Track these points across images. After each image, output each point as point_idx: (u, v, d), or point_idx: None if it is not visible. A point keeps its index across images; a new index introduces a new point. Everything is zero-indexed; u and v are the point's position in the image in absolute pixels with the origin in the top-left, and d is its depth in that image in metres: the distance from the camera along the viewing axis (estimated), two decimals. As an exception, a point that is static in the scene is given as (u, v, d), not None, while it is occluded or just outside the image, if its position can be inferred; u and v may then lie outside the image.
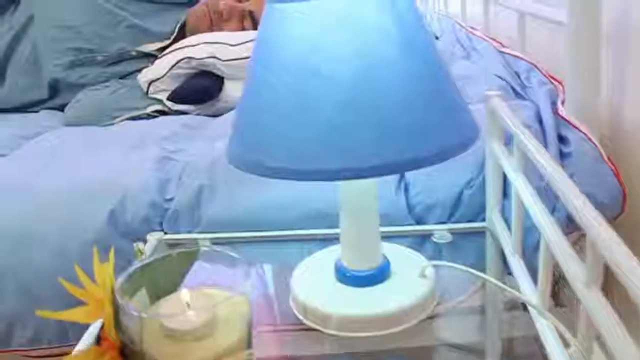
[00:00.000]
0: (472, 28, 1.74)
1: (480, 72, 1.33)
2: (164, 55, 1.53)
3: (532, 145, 0.71)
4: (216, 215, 0.96)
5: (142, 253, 0.64)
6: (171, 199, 0.99)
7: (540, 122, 1.00)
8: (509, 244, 0.84)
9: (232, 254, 0.61)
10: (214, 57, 1.47)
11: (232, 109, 1.49)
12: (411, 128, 0.58)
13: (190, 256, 0.62)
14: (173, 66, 1.49)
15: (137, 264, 0.60)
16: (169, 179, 1.02)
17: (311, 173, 0.57)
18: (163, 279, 0.61)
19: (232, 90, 1.49)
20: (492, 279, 0.72)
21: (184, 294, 0.58)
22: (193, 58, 1.48)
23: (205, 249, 0.61)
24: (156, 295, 0.61)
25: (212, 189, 0.97)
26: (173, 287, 0.62)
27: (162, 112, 1.52)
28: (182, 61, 1.49)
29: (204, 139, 1.18)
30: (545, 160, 0.67)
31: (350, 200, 0.70)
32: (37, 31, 1.70)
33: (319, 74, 0.57)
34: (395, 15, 0.59)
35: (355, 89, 0.57)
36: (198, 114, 1.50)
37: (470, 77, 1.32)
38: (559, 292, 0.97)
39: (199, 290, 0.60)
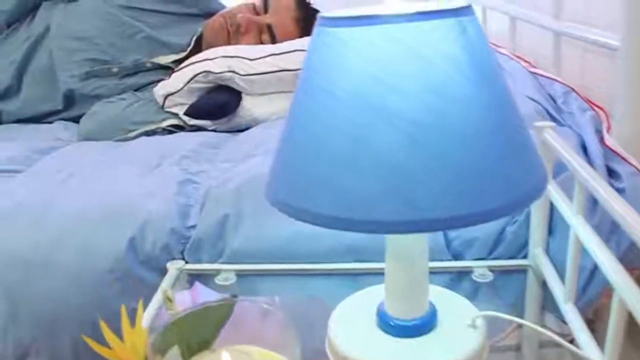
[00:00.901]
0: (495, 45, 1.66)
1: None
2: (181, 68, 1.46)
3: (598, 183, 0.64)
4: (241, 245, 0.88)
5: (171, 301, 0.56)
6: (193, 227, 0.91)
7: (585, 151, 0.93)
8: (561, 290, 0.76)
9: (273, 308, 0.54)
10: (232, 72, 1.40)
11: (249, 124, 1.42)
12: (483, 175, 0.50)
13: (225, 310, 0.55)
14: (190, 80, 1.41)
15: (169, 319, 0.52)
16: (191, 205, 0.95)
17: (368, 224, 0.49)
18: (196, 334, 0.53)
19: (250, 105, 1.42)
20: (557, 337, 0.64)
21: (224, 356, 0.50)
22: (211, 72, 1.40)
23: (247, 303, 0.53)
24: (189, 353, 0.53)
25: (237, 218, 0.89)
26: (206, 344, 0.54)
27: (177, 127, 1.45)
28: (200, 75, 1.41)
29: (226, 160, 1.10)
30: (612, 198, 0.60)
31: (398, 245, 0.62)
32: (52, 42, 1.62)
33: (381, 110, 0.49)
34: (466, 43, 0.51)
35: (423, 129, 0.49)
36: (215, 129, 1.43)
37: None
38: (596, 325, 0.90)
39: (238, 349, 0.52)
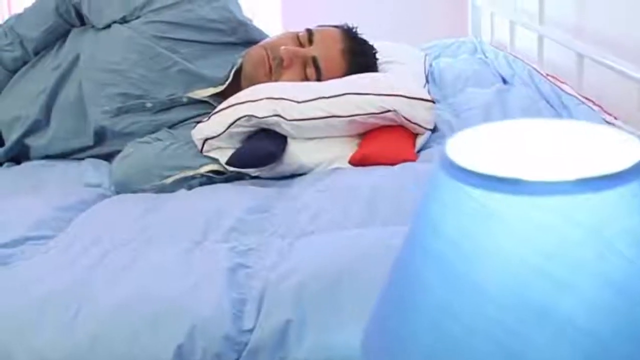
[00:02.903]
0: (555, 78, 1.51)
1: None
2: (221, 110, 1.32)
3: None
4: (306, 357, 0.75)
5: None
6: (250, 330, 0.78)
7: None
8: None
9: None
10: (278, 116, 1.26)
11: (295, 171, 1.28)
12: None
13: None
14: (232, 124, 1.28)
15: None
16: (245, 299, 0.82)
17: None
18: None
19: (297, 151, 1.28)
20: None
21: None
22: (254, 116, 1.26)
23: None
24: None
25: (301, 325, 0.76)
26: None
27: (217, 172, 1.32)
28: (242, 119, 1.27)
29: (279, 232, 0.97)
30: None
31: None
32: (82, 73, 1.49)
33: (545, 313, 0.36)
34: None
35: (604, 342, 0.36)
36: (257, 176, 1.29)
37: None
38: None
39: None
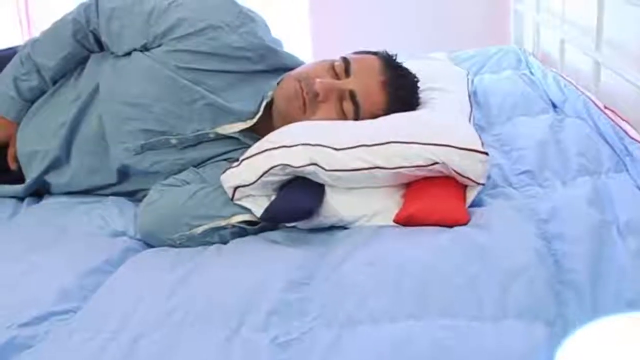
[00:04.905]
0: (614, 113, 1.43)
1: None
2: (253, 155, 1.26)
3: None
4: None
5: None
6: None
7: None
8: None
9: None
10: (316, 165, 1.20)
11: (333, 224, 1.23)
12: None
13: None
14: (265, 173, 1.22)
15: None
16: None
17: None
18: None
19: (335, 203, 1.22)
20: None
21: None
22: (290, 165, 1.21)
23: None
24: None
25: None
26: None
27: (249, 223, 1.26)
28: (277, 167, 1.22)
29: (323, 318, 0.91)
30: None
31: None
32: (102, 107, 1.44)
33: None
34: None
35: None
36: (293, 226, 1.24)
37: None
38: None
39: None
